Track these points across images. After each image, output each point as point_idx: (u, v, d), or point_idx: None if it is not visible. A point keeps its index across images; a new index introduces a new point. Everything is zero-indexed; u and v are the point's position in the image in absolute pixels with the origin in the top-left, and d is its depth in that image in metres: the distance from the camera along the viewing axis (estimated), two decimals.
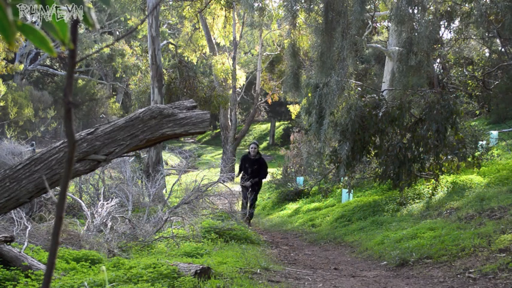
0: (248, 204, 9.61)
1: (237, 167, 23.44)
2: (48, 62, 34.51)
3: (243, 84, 22.60)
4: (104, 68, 32.22)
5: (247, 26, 22.37)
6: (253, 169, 9.82)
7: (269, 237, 8.21)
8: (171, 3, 19.85)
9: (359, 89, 10.13)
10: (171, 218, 6.57)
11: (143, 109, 3.66)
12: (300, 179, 12.96)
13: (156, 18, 12.39)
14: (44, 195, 5.10)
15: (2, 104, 22.45)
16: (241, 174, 10.14)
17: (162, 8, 19.11)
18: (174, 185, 8.50)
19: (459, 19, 14.96)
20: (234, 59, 20.84)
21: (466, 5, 13.24)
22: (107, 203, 6.25)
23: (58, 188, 4.30)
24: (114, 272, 3.80)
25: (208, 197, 8.83)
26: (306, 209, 10.74)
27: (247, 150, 10.58)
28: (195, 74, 17.09)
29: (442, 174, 8.02)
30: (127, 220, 6.18)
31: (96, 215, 5.89)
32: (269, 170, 17.91)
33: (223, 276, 4.02)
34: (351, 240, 7.15)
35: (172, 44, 19.13)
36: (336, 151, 7.97)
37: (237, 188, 16.79)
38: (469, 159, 8.00)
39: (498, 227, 5.07)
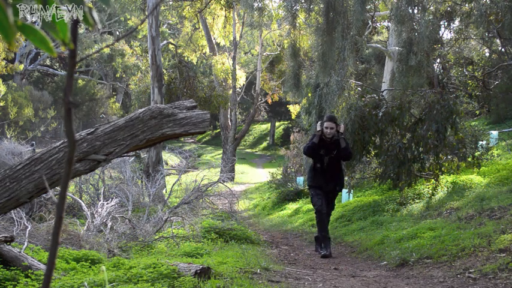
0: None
1: (239, 168, 23.29)
2: (48, 62, 34.51)
3: (243, 84, 22.61)
4: (104, 68, 32.23)
5: (247, 26, 22.37)
6: (331, 157, 6.28)
7: (269, 237, 8.20)
8: (171, 3, 19.85)
9: (359, 89, 10.13)
10: (171, 218, 6.57)
11: (143, 109, 3.66)
12: (300, 179, 12.96)
13: (156, 18, 12.40)
14: (44, 195, 5.11)
15: (2, 104, 22.45)
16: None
17: (162, 8, 19.11)
18: (174, 185, 8.51)
19: (459, 19, 14.97)
20: (234, 59, 20.84)
21: (466, 5, 13.24)
22: (107, 203, 6.25)
23: (58, 188, 4.30)
24: (114, 272, 3.80)
25: (208, 197, 8.84)
26: (306, 209, 10.74)
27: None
28: (195, 74, 17.10)
29: (442, 174, 8.02)
30: (127, 220, 6.19)
31: (96, 215, 5.89)
32: (269, 170, 17.94)
33: (223, 276, 4.02)
34: (351, 240, 7.15)
35: (172, 44, 19.13)
36: None
37: (238, 188, 16.74)
38: (469, 159, 7.99)
39: (498, 227, 5.07)
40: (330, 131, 6.19)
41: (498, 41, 16.24)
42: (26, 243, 4.25)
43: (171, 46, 18.95)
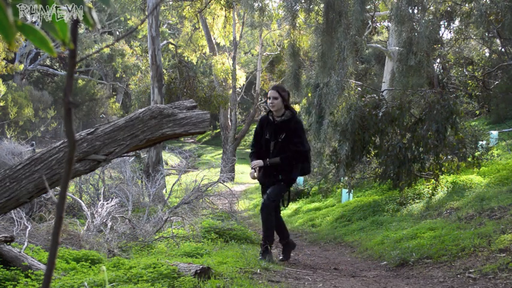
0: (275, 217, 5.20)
1: (239, 168, 23.24)
2: (48, 62, 34.52)
3: (243, 84, 22.60)
4: (104, 68, 32.24)
5: (247, 26, 22.37)
6: (278, 141, 4.92)
7: None
8: (171, 3, 19.85)
9: (359, 89, 10.14)
10: (171, 218, 6.57)
11: (143, 109, 3.66)
12: (300, 179, 12.96)
13: (156, 18, 12.40)
14: (44, 195, 5.11)
15: (2, 104, 22.46)
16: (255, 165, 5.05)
17: (162, 8, 19.11)
18: (174, 185, 8.50)
19: (459, 19, 14.98)
20: (234, 59, 20.83)
21: (466, 5, 13.25)
22: (107, 203, 6.25)
23: (58, 188, 4.30)
24: (114, 272, 3.80)
25: (208, 197, 8.84)
26: (306, 209, 10.74)
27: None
28: (195, 74, 17.11)
29: (442, 174, 8.02)
30: (127, 220, 6.19)
31: (96, 215, 5.89)
32: None
33: (223, 276, 4.01)
34: (351, 240, 7.15)
35: (172, 44, 19.14)
36: (336, 151, 7.97)
37: (238, 188, 16.72)
38: (469, 159, 8.00)
39: (498, 227, 5.07)
40: (271, 101, 4.84)
41: (498, 41, 16.25)
42: (26, 243, 4.25)
43: (171, 46, 18.96)
